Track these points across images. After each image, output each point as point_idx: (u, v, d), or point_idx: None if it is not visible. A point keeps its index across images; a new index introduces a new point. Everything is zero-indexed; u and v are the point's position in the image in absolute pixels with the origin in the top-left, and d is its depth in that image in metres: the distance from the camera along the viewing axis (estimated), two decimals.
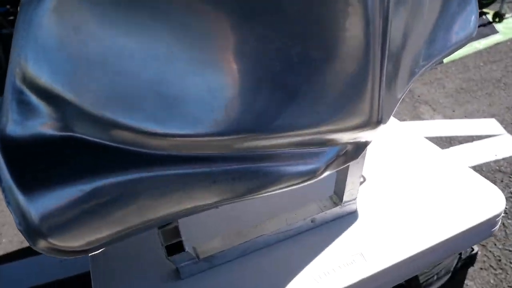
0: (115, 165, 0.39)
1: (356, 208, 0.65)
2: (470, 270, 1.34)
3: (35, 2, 0.32)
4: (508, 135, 1.92)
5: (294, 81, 0.39)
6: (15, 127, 0.34)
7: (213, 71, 0.37)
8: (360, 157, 0.60)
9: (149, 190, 0.40)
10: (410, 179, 0.72)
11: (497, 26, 2.88)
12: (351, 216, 0.65)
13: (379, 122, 0.42)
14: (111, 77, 0.35)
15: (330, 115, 0.41)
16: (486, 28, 2.84)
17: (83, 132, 0.37)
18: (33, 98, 0.34)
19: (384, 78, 0.40)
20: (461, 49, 2.66)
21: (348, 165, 0.60)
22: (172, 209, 0.43)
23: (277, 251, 0.61)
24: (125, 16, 0.34)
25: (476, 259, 1.09)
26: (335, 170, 0.47)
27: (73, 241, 0.39)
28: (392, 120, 0.87)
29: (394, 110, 0.45)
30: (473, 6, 0.58)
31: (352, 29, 0.37)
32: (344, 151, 0.46)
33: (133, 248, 0.64)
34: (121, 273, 0.60)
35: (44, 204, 0.35)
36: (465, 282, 1.28)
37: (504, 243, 1.39)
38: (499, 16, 2.91)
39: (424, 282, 0.80)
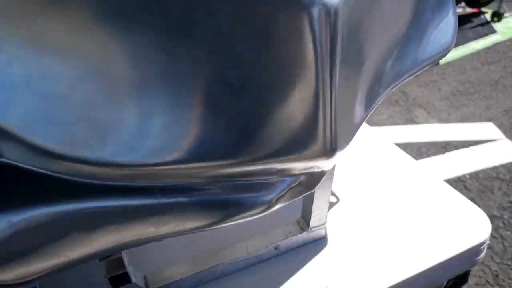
0: (46, 194, 0.37)
1: (326, 234, 0.60)
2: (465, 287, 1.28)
3: None
4: (507, 140, 1.86)
5: (237, 107, 0.35)
6: None
7: (148, 96, 0.35)
8: (327, 180, 0.55)
9: (81, 223, 0.38)
10: (386, 200, 0.66)
11: (496, 25, 2.82)
12: (320, 242, 0.60)
13: (333, 150, 0.37)
14: (38, 101, 0.33)
15: (279, 144, 0.37)
16: (484, 28, 2.78)
17: (15, 159, 0.35)
18: None
19: (336, 105, 0.35)
20: (458, 50, 2.61)
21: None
22: (109, 243, 0.40)
23: (236, 281, 0.56)
24: (45, 34, 0.32)
25: (471, 274, 1.03)
26: (289, 202, 0.42)
27: (1, 275, 0.36)
28: (369, 129, 0.82)
29: (354, 136, 0.40)
30: (451, 15, 0.52)
31: (295, 51, 0.32)
32: (298, 181, 0.41)
33: (85, 276, 0.59)
34: None
35: None
36: None
37: (502, 257, 1.34)
38: (497, 16, 2.84)
39: None
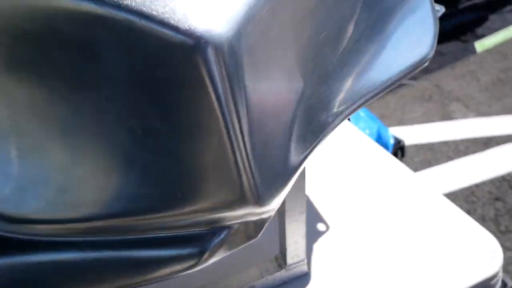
0: None
1: (308, 270, 0.54)
2: None
3: None
4: None
5: (146, 157, 0.32)
6: None
7: (60, 147, 0.33)
8: (299, 214, 0.50)
9: (17, 276, 0.37)
10: (382, 227, 0.59)
11: None
12: (301, 280, 0.54)
13: (259, 198, 0.32)
14: None
15: (197, 194, 0.33)
16: None
17: None
18: None
19: (251, 150, 0.29)
20: (497, 35, 2.42)
21: (284, 224, 0.49)
22: None
23: None
24: None
25: None
26: (229, 253, 0.37)
27: None
28: (370, 143, 0.74)
29: (293, 178, 0.34)
30: (430, 20, 0.45)
31: (192, 96, 0.28)
32: (235, 231, 0.36)
33: None
34: None
35: None
36: None
37: None
38: None
39: None
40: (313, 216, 0.62)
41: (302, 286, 0.53)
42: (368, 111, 1.38)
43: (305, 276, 0.54)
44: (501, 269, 0.50)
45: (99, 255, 0.37)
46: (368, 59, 0.39)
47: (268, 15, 0.28)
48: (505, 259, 0.52)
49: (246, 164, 0.30)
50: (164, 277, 0.37)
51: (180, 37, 0.26)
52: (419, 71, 0.43)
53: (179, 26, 0.26)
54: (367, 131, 1.21)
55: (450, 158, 1.66)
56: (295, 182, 0.41)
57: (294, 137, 0.33)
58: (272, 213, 0.36)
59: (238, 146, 0.29)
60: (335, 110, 0.37)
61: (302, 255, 0.52)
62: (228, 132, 0.28)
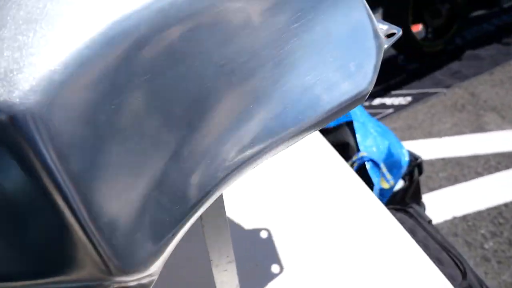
0: None
1: None
2: None
3: None
4: None
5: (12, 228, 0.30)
6: None
7: None
8: (227, 263, 0.46)
9: None
10: (341, 270, 0.54)
11: None
12: None
13: (122, 269, 0.30)
14: None
15: (59, 266, 0.31)
16: None
17: None
18: None
19: (95, 223, 0.27)
20: None
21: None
22: None
23: None
24: None
25: None
26: None
27: None
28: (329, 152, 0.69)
29: (167, 247, 0.31)
30: (371, 49, 0.40)
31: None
32: None
33: None
34: None
35: None
36: None
37: None
38: None
39: None
40: (268, 256, 0.58)
41: None
42: (382, 125, 1.31)
43: None
44: None
45: None
46: (292, 92, 0.35)
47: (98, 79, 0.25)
48: None
49: (93, 240, 0.27)
50: None
51: None
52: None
53: None
54: (374, 149, 1.14)
55: (479, 174, 1.53)
56: (216, 233, 0.39)
57: (149, 209, 0.30)
58: (154, 277, 0.34)
59: (79, 221, 0.26)
60: (234, 161, 0.33)
61: None
62: (67, 209, 0.26)
